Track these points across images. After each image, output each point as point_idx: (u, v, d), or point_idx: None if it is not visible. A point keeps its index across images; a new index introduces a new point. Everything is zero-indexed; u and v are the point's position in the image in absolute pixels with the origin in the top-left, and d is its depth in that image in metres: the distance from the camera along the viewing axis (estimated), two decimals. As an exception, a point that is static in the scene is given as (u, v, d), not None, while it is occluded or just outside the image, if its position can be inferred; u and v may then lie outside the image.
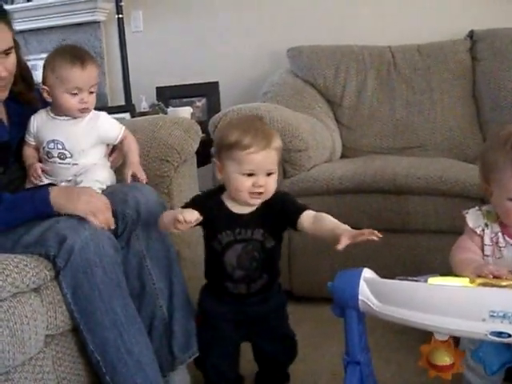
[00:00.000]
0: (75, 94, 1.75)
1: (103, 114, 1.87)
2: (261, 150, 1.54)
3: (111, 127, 1.84)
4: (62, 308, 1.51)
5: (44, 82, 1.78)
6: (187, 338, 1.76)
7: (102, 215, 1.62)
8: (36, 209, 1.60)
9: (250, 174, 1.56)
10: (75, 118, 1.79)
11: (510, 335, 1.16)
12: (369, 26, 3.38)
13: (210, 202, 1.65)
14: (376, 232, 1.43)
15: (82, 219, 1.57)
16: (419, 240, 2.42)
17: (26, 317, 1.38)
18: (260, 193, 1.58)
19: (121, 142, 1.85)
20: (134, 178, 1.79)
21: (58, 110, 1.80)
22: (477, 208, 1.61)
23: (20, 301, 1.39)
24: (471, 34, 3.11)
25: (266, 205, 1.63)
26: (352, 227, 2.32)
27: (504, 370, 1.60)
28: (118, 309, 1.54)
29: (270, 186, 1.59)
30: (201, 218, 1.55)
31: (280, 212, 1.64)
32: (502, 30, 3.03)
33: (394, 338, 2.18)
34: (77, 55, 1.75)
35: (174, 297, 1.76)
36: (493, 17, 3.15)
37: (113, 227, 1.64)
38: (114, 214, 1.66)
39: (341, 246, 1.46)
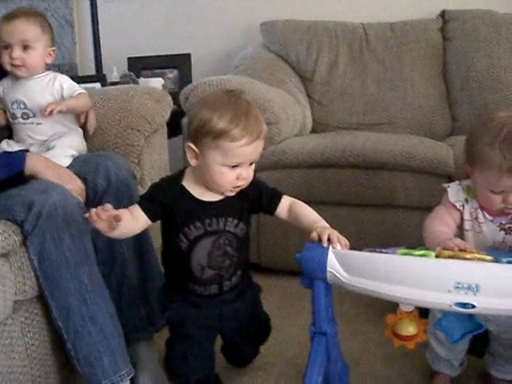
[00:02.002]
0: (7, 48, 1.78)
1: (64, 76, 1.89)
2: (253, 142, 1.36)
3: (66, 87, 1.85)
4: (30, 274, 1.50)
5: None
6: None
7: (74, 183, 1.63)
8: (9, 165, 1.59)
9: (235, 166, 1.38)
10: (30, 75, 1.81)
11: (473, 306, 1.19)
12: (343, 2, 3.39)
13: (171, 191, 1.45)
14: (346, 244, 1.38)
15: (50, 185, 1.55)
16: (386, 215, 2.45)
17: (-6, 281, 1.37)
18: (241, 185, 1.43)
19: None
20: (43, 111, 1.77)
21: None
22: (457, 182, 1.62)
23: (-12, 266, 1.38)
24: (443, 14, 3.15)
25: (239, 191, 1.47)
26: (320, 201, 2.35)
27: (468, 341, 1.65)
28: (83, 277, 1.53)
29: (251, 175, 1.44)
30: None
31: (257, 199, 1.51)
32: (474, 10, 3.07)
33: (362, 310, 2.23)
34: (10, 13, 1.80)
35: (145, 265, 1.77)
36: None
37: (83, 196, 1.65)
38: (85, 183, 1.67)
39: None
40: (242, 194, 1.47)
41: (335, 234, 1.37)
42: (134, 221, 1.42)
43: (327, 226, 1.43)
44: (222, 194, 1.44)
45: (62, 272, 1.51)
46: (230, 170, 1.38)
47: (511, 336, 1.60)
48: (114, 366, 1.55)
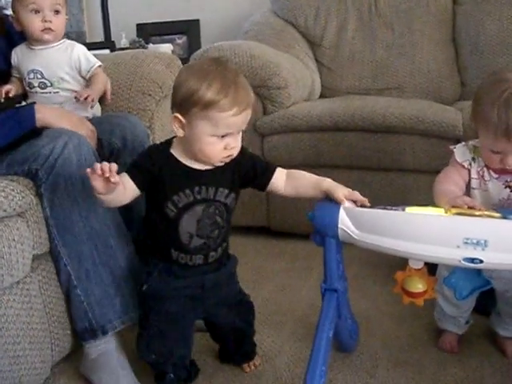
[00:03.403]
0: (37, 12, 1.75)
1: (81, 45, 1.88)
2: (242, 112, 1.33)
3: (84, 59, 1.85)
4: (45, 226, 1.54)
5: (13, 11, 1.79)
6: None
7: (85, 127, 1.66)
8: (21, 123, 1.59)
9: (223, 136, 1.35)
10: (48, 43, 1.80)
11: (481, 261, 1.22)
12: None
13: (158, 159, 1.41)
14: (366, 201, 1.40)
15: (64, 133, 1.56)
16: (395, 178, 2.47)
17: (14, 240, 1.40)
18: (230, 155, 1.38)
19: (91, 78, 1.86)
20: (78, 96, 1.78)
21: (28, 37, 1.81)
22: (463, 143, 1.64)
23: (7, 225, 1.40)
24: (453, -23, 3.12)
25: (232, 161, 1.42)
26: (329, 165, 2.38)
27: (475, 300, 1.69)
28: (95, 222, 1.55)
29: (239, 145, 1.40)
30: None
31: (250, 170, 1.48)
32: (484, -27, 3.03)
33: (370, 271, 2.26)
34: None
35: None
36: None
37: (95, 140, 1.68)
38: (100, 144, 1.69)
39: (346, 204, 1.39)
40: (235, 164, 1.43)
41: (346, 192, 1.41)
42: (123, 189, 1.38)
43: (333, 182, 1.45)
44: (211, 164, 1.40)
45: (74, 218, 1.53)
46: (218, 140, 1.34)
47: (517, 295, 1.63)
48: (126, 307, 1.59)
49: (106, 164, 1.29)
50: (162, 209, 1.41)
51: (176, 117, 1.35)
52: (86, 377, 1.63)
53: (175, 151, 1.42)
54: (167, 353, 1.52)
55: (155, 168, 1.40)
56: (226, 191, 1.44)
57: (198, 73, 1.34)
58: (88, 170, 1.31)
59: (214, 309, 1.57)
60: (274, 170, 1.50)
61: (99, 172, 1.28)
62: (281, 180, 1.50)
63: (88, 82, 1.86)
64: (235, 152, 1.39)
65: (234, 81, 1.33)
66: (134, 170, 1.41)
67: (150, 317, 1.51)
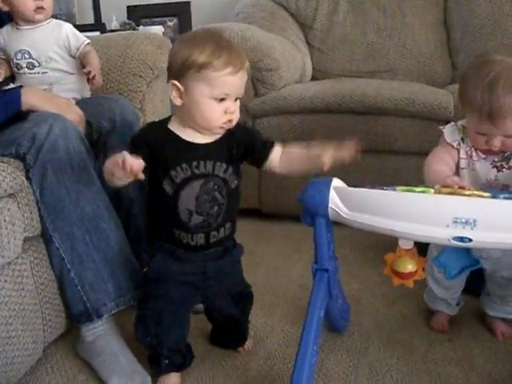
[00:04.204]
0: None
1: (68, 23, 1.88)
2: (237, 72, 1.33)
3: (73, 37, 1.85)
4: (36, 209, 1.53)
5: None
6: None
7: (73, 111, 1.65)
8: (6, 106, 1.59)
9: (222, 99, 1.34)
10: (35, 23, 1.80)
11: (470, 240, 1.22)
12: None
13: (157, 133, 1.41)
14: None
15: (51, 117, 1.55)
16: (386, 160, 2.48)
17: (5, 221, 1.39)
18: (230, 120, 1.37)
19: (83, 57, 1.85)
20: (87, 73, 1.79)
21: (17, 17, 1.80)
22: (452, 124, 1.64)
23: (-2, 205, 1.40)
24: (445, -41, 3.11)
25: (227, 135, 1.42)
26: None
27: (464, 281, 1.70)
28: (86, 206, 1.55)
29: (238, 112, 1.39)
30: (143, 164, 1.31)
31: (250, 145, 1.46)
32: (477, -45, 3.02)
33: (361, 253, 2.28)
34: None
35: None
36: None
37: (83, 124, 1.67)
38: (89, 125, 1.68)
39: (326, 166, 1.40)
40: (231, 137, 1.43)
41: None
42: None
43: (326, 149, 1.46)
44: (211, 131, 1.40)
45: (64, 203, 1.53)
46: (217, 103, 1.34)
47: (505, 275, 1.64)
48: (119, 290, 1.59)
49: (134, 163, 1.26)
50: (160, 185, 1.40)
51: (174, 84, 1.35)
52: (85, 360, 1.63)
53: (173, 126, 1.41)
54: (163, 336, 1.51)
55: (153, 142, 1.39)
56: (224, 165, 1.42)
57: (191, 41, 1.36)
58: (118, 161, 1.26)
59: (214, 297, 1.57)
60: (273, 147, 1.49)
61: (126, 167, 1.26)
62: (276, 158, 1.49)
63: (82, 61, 1.85)
64: (235, 117, 1.38)
65: (227, 45, 1.35)
66: (133, 148, 1.37)
67: (149, 299, 1.52)
